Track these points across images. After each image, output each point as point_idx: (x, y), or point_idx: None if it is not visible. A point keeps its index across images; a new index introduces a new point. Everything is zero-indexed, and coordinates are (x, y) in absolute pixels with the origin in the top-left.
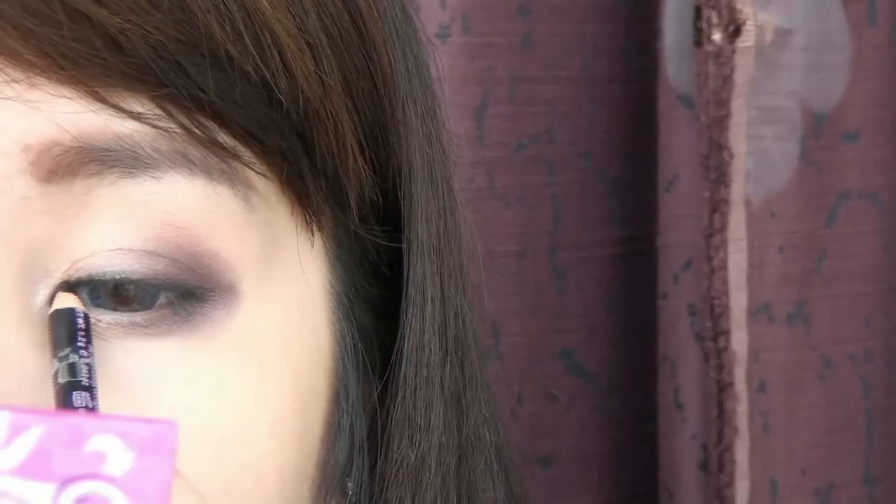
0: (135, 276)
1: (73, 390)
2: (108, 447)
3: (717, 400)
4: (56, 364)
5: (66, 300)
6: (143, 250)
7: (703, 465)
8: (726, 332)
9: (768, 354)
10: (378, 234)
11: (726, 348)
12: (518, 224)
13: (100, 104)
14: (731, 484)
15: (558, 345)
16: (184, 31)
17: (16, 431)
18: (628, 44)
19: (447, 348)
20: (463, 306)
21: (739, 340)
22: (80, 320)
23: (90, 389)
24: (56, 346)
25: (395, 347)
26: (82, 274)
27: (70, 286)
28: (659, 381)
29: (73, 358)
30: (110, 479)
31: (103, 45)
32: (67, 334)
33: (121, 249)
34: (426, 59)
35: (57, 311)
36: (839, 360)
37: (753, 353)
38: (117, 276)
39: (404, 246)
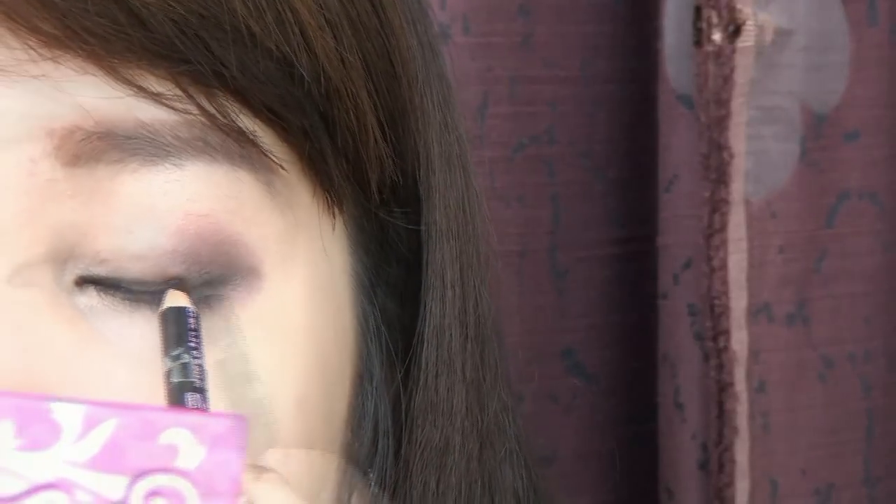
0: (151, 288)
1: (186, 391)
2: (181, 441)
3: (717, 400)
4: (169, 363)
5: (177, 298)
6: (164, 251)
7: (703, 465)
8: (726, 332)
9: (768, 354)
10: (399, 217)
11: (726, 348)
12: (518, 224)
13: (121, 84)
14: (731, 484)
15: (558, 345)
16: (206, 6)
17: (90, 424)
18: (628, 44)
19: (467, 333)
20: (482, 293)
21: (739, 340)
22: (192, 320)
23: (202, 391)
24: (167, 344)
25: (417, 331)
26: (102, 273)
27: (94, 279)
28: (659, 381)
29: (186, 358)
30: (182, 473)
31: (126, 20)
32: (179, 333)
33: (140, 256)
34: (440, 50)
35: (169, 309)
36: (839, 360)
37: (753, 353)
38: (133, 285)
39: (423, 229)
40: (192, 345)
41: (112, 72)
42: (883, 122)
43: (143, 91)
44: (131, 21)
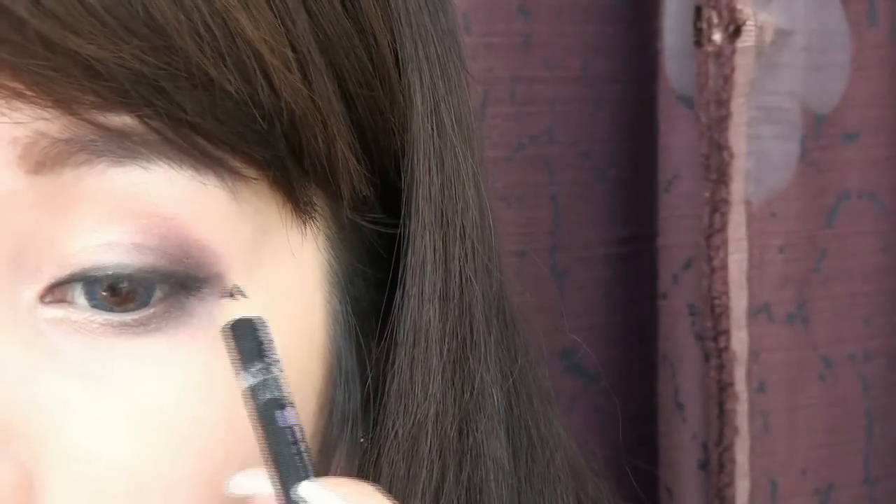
0: (128, 270)
1: (281, 408)
2: None
3: (718, 400)
4: (250, 378)
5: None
6: (132, 243)
7: (703, 465)
8: (726, 332)
9: (768, 354)
10: (377, 215)
11: (726, 348)
12: (518, 224)
13: (83, 122)
14: (731, 484)
15: (558, 345)
16: (162, 56)
17: None
18: (628, 44)
19: (448, 318)
20: (467, 275)
21: (739, 340)
22: (265, 329)
23: (293, 405)
24: (246, 358)
25: (390, 320)
26: (76, 269)
27: (64, 281)
28: (659, 381)
29: (273, 372)
30: None
31: (81, 72)
32: (258, 345)
33: (110, 244)
34: (443, 16)
35: (239, 321)
36: (839, 360)
37: (753, 353)
38: (110, 272)
39: (402, 221)
40: (275, 356)
41: (73, 115)
42: (883, 122)
43: (104, 128)
44: (86, 73)
